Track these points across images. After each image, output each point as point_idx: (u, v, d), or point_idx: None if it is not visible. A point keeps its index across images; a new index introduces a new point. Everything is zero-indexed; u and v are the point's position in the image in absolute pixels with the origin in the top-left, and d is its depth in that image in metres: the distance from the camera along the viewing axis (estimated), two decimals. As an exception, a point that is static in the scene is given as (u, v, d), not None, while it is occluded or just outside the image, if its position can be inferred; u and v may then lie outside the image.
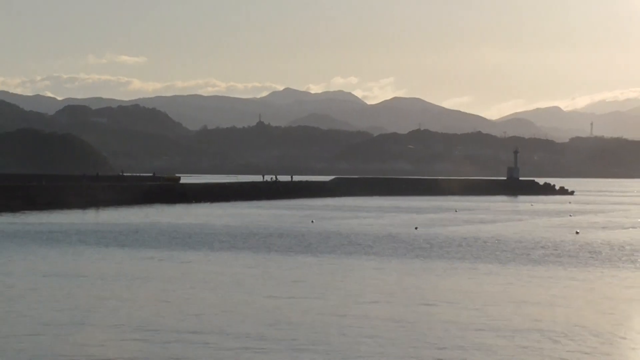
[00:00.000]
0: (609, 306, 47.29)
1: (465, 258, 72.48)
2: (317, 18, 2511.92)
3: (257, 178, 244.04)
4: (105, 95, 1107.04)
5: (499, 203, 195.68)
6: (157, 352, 34.45)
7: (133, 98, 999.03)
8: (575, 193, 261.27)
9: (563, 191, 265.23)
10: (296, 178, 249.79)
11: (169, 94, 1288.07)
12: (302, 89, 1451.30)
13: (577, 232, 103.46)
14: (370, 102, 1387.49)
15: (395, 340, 36.97)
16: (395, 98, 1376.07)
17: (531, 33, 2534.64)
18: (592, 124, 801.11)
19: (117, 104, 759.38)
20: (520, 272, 63.24)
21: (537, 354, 34.71)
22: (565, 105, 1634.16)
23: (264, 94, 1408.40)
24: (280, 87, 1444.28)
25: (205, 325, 40.06)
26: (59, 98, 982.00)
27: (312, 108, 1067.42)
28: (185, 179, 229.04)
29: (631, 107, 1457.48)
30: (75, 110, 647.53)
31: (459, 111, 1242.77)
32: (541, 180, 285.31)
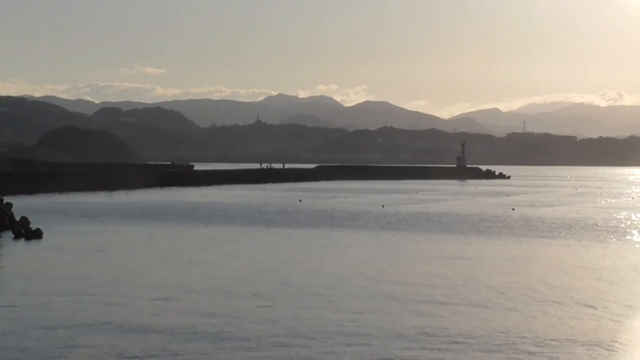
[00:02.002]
0: (538, 268, 47.41)
1: (424, 230, 72.57)
2: (304, 37, 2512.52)
3: (256, 166, 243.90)
4: (134, 99, 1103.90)
5: (451, 186, 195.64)
6: (180, 310, 34.41)
7: (156, 101, 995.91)
8: (511, 178, 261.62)
9: (501, 176, 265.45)
10: (287, 166, 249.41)
11: (185, 98, 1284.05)
12: (292, 94, 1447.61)
13: (513, 209, 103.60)
14: (347, 104, 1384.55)
15: (363, 292, 37.17)
16: (367, 101, 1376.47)
17: (475, 48, 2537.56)
18: (524, 122, 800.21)
19: (143, 107, 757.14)
20: (467, 240, 63.40)
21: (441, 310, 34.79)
22: (503, 107, 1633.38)
23: (261, 98, 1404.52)
24: (275, 93, 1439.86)
25: (219, 285, 40.10)
26: (96, 102, 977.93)
27: (300, 109, 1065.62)
28: (198, 167, 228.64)
29: (556, 109, 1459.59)
30: (109, 112, 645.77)
31: (418, 112, 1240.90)
32: (484, 167, 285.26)
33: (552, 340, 28.68)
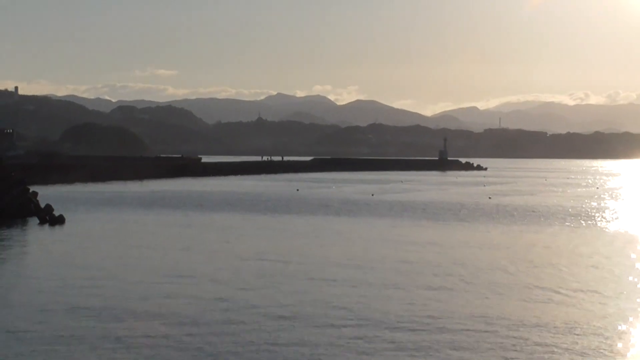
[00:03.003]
0: (506, 248, 47.54)
1: (410, 217, 72.60)
2: (301, 42, 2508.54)
3: (257, 158, 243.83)
4: (147, 98, 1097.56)
5: (433, 176, 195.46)
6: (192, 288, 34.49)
7: (167, 100, 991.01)
8: (488, 169, 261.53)
9: (479, 168, 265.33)
10: (286, 158, 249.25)
11: (193, 97, 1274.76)
12: (290, 93, 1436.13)
13: (489, 198, 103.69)
14: (340, 103, 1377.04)
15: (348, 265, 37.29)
16: (358, 100, 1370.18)
17: (456, 52, 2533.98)
18: (500, 119, 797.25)
19: (155, 105, 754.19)
20: (448, 226, 63.47)
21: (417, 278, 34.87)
22: (481, 105, 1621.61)
23: (262, 97, 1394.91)
24: (274, 92, 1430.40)
25: (223, 269, 40.25)
26: (114, 100, 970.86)
27: (297, 107, 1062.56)
28: (205, 159, 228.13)
29: (529, 107, 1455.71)
30: (125, 109, 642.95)
31: (404, 110, 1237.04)
32: (463, 160, 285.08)
33: (503, 319, 28.79)
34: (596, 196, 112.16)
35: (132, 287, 34.22)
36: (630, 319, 28.82)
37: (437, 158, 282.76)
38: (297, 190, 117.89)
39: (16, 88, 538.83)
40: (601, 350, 24.34)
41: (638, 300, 32.59)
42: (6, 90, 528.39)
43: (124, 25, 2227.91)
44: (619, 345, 25.12)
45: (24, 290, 33.98)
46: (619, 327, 27.45)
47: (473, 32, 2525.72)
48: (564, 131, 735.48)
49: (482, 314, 29.15)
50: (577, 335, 26.12)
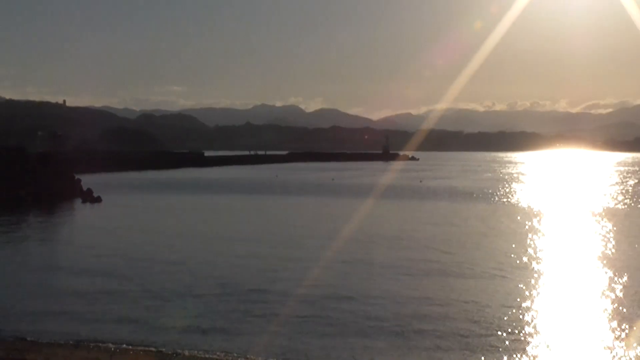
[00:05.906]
0: (436, 219, 47.78)
1: (360, 196, 72.73)
2: (280, 66, 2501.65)
3: (246, 152, 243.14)
4: (163, 108, 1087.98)
5: (379, 165, 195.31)
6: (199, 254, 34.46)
7: (178, 109, 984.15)
8: (419, 160, 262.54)
9: (413, 159, 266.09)
10: (268, 152, 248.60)
11: (198, 107, 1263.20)
12: (271, 103, 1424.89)
13: (420, 181, 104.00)
14: (309, 110, 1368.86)
15: (310, 235, 37.37)
16: (322, 108, 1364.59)
17: (398, 71, 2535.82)
18: (428, 122, 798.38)
19: (169, 113, 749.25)
20: (391, 202, 63.73)
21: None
22: (414, 111, 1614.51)
23: (250, 106, 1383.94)
24: (259, 103, 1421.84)
25: (220, 237, 40.26)
26: (138, 110, 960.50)
27: (276, 114, 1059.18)
28: (207, 154, 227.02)
29: (449, 113, 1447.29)
30: (147, 117, 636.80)
31: (357, 115, 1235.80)
32: (401, 153, 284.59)
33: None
34: (500, 179, 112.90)
35: (149, 248, 34.30)
36: (527, 292, 24.13)
37: (381, 152, 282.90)
38: (277, 176, 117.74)
39: (64, 101, 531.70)
40: (500, 324, 20.03)
41: (537, 270, 29.83)
42: (57, 103, 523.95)
43: (147, 54, 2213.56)
44: (519, 318, 20.64)
45: (70, 248, 34.58)
46: (518, 300, 22.82)
47: (411, 55, 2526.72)
48: (476, 131, 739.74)
49: (394, 288, 24.97)
50: (475, 306, 22.18)
